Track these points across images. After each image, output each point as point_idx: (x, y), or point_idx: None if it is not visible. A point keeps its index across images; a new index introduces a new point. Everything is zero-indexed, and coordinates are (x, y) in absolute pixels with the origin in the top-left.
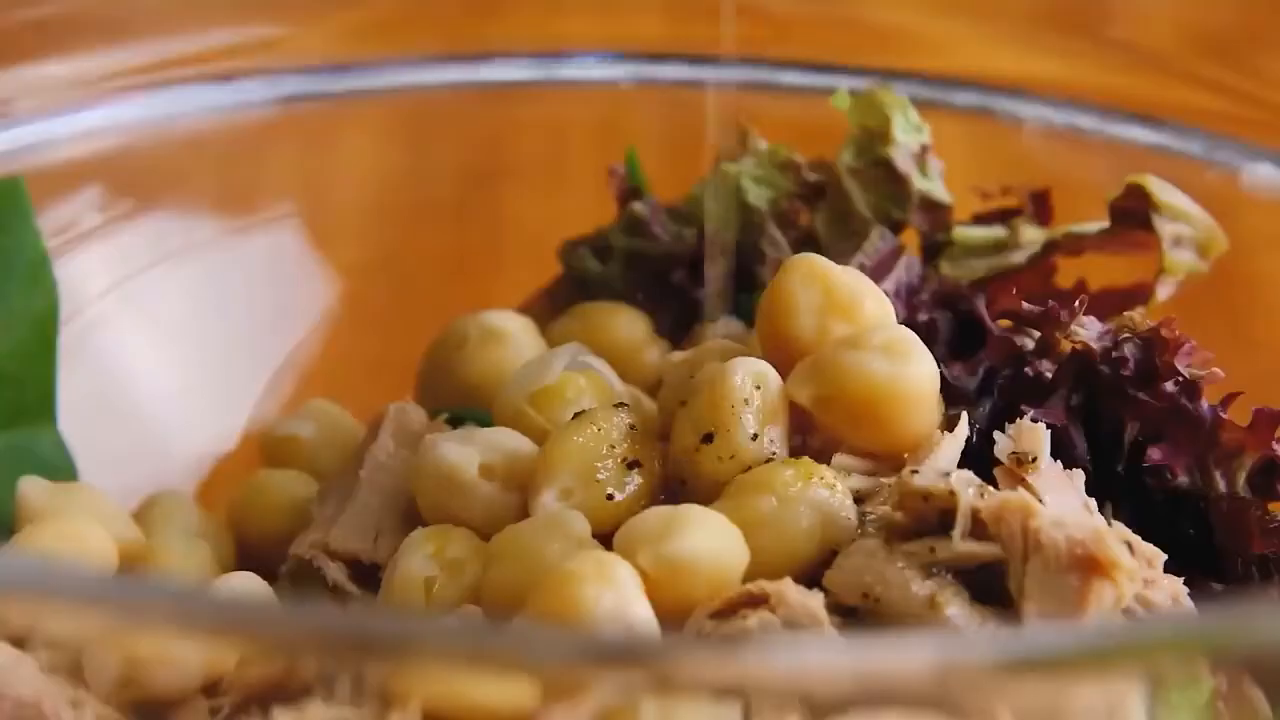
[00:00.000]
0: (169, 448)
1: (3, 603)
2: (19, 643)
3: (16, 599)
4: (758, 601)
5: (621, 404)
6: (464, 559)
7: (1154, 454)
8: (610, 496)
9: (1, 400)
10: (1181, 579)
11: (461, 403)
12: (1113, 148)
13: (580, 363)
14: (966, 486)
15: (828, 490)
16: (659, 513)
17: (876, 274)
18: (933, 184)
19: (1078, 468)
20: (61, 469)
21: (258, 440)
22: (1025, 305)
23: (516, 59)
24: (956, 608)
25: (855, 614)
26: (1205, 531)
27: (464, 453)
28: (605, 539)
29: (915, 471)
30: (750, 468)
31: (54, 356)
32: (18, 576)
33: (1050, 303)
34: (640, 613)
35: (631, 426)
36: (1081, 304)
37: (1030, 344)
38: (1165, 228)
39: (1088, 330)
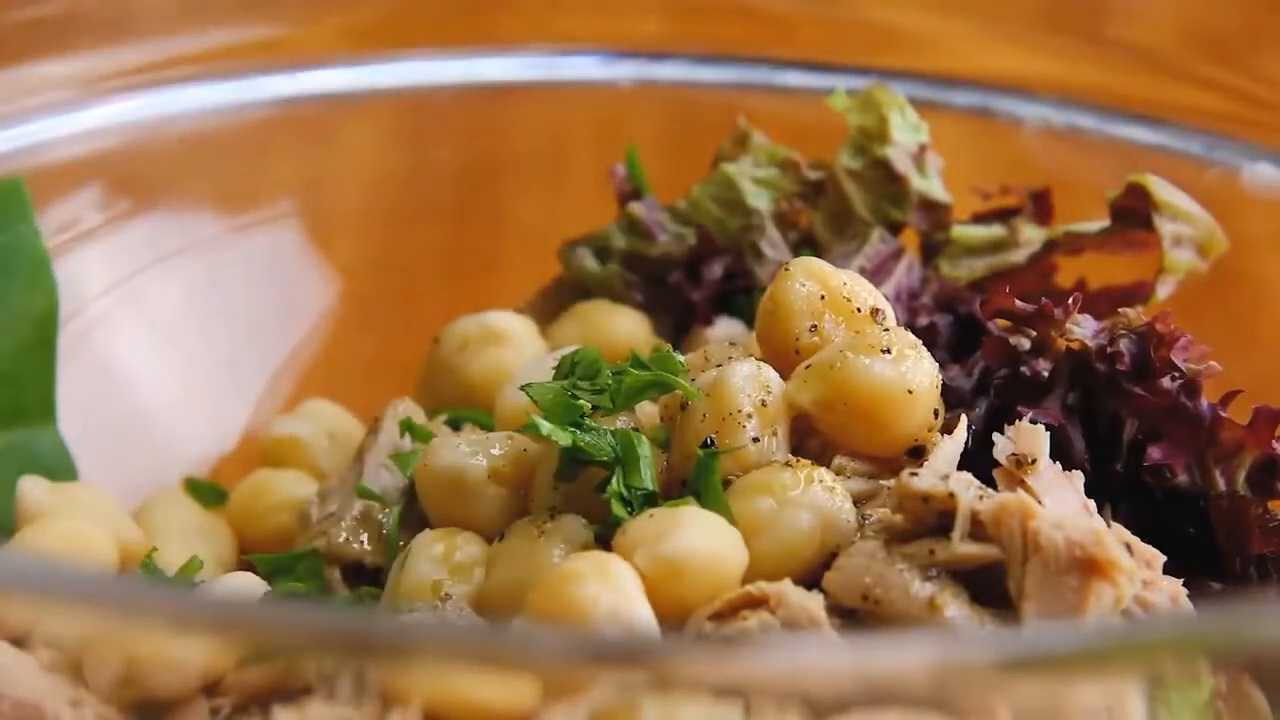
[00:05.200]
0: (169, 448)
1: (3, 603)
2: (19, 643)
3: (16, 599)
4: (757, 603)
5: None
6: (472, 562)
7: (1154, 453)
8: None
9: (1, 400)
10: (1181, 579)
11: (462, 403)
12: (1113, 148)
13: None
14: (966, 488)
15: (827, 493)
16: (657, 514)
17: (876, 276)
18: (931, 183)
19: (1076, 467)
20: (61, 469)
21: (258, 440)
22: (1019, 304)
23: (516, 58)
24: (956, 609)
25: (855, 616)
26: (1205, 530)
27: (473, 457)
28: (606, 540)
29: (914, 474)
30: (751, 470)
31: (54, 356)
32: (18, 576)
33: (1044, 300)
34: (640, 613)
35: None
36: (1076, 301)
37: (1026, 343)
38: (1165, 227)
39: (1083, 328)
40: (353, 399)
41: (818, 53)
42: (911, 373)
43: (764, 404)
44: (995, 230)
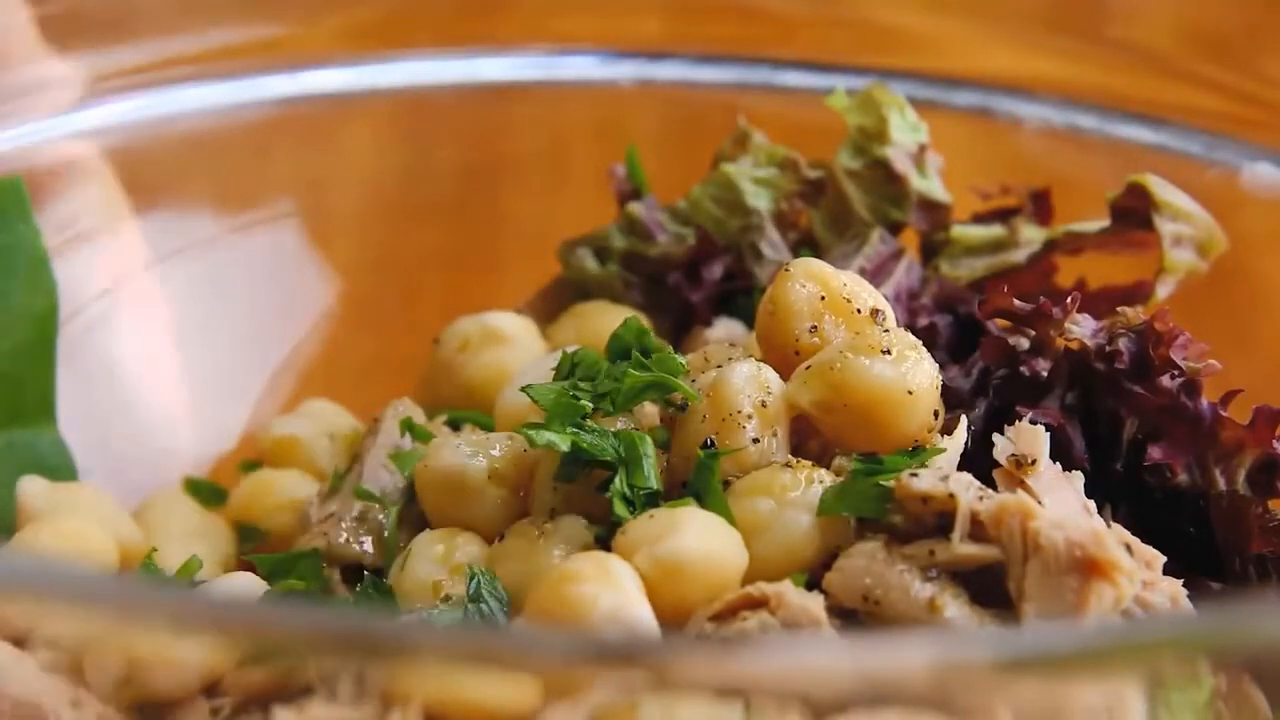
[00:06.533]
0: (169, 448)
1: (3, 603)
2: (19, 643)
3: (16, 599)
4: (757, 604)
5: None
6: (472, 562)
7: (1154, 453)
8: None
9: (1, 400)
10: (1181, 579)
11: (462, 404)
12: (1113, 148)
13: None
14: (966, 489)
15: None
16: (657, 515)
17: (876, 277)
18: (931, 183)
19: (1076, 467)
20: (61, 469)
21: (258, 440)
22: (1018, 303)
23: (516, 58)
24: (956, 610)
25: (855, 616)
26: (1205, 530)
27: (473, 457)
28: (606, 541)
29: (915, 474)
30: (750, 471)
31: (54, 356)
32: (18, 576)
33: (1043, 300)
34: (640, 613)
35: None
36: (1075, 301)
37: (1025, 343)
38: (1165, 227)
39: (1082, 328)
40: (353, 399)
41: (818, 53)
42: (911, 373)
43: (764, 405)
44: (995, 230)
